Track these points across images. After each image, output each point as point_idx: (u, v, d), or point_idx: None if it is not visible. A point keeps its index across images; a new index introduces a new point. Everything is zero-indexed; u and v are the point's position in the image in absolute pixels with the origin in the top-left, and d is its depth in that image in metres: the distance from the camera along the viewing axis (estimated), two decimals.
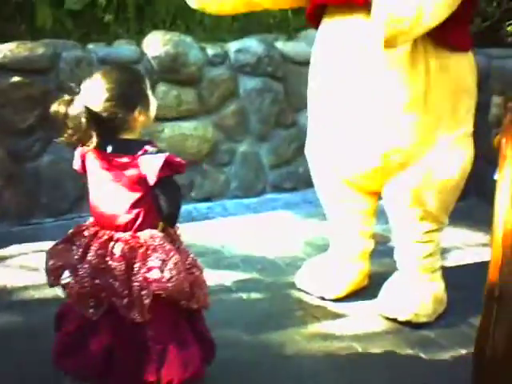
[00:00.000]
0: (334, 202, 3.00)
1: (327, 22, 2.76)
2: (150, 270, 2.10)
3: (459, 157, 2.78)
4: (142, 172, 2.10)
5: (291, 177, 4.44)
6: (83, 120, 2.06)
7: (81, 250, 2.16)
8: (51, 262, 2.23)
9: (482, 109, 4.18)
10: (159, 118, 3.99)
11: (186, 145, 4.08)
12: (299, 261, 3.34)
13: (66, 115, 2.08)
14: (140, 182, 2.12)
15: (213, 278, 3.20)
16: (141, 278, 2.10)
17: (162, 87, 3.97)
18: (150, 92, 2.19)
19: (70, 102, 2.09)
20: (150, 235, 2.14)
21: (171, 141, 4.04)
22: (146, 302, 2.09)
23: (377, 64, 2.60)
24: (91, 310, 2.14)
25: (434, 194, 2.76)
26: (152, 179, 2.09)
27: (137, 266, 2.11)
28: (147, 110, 2.17)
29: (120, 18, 4.23)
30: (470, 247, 3.71)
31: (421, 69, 2.63)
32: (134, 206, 2.14)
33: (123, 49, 3.94)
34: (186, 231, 3.94)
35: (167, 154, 2.10)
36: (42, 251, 3.47)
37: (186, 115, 4.05)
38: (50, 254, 2.24)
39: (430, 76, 2.65)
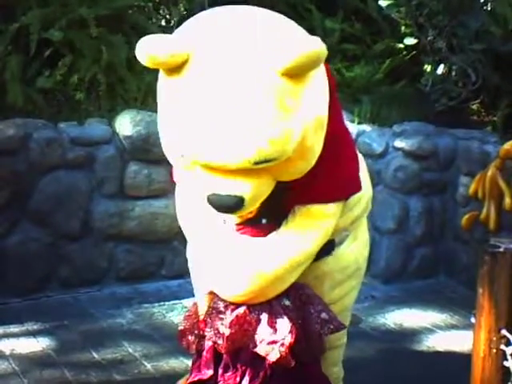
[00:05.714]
0: None
1: None
2: None
3: None
4: None
5: None
6: None
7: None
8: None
9: (450, 188, 4.27)
10: (130, 197, 4.01)
11: (156, 223, 4.07)
12: None
13: None
14: None
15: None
16: None
17: (133, 166, 3.97)
18: None
19: None
20: None
21: (142, 219, 4.03)
22: None
23: None
24: None
25: None
26: None
27: None
28: None
29: (91, 95, 4.24)
30: (438, 329, 3.73)
31: None
32: None
33: (95, 129, 3.94)
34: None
35: None
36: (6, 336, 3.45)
37: (157, 194, 4.05)
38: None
39: None
